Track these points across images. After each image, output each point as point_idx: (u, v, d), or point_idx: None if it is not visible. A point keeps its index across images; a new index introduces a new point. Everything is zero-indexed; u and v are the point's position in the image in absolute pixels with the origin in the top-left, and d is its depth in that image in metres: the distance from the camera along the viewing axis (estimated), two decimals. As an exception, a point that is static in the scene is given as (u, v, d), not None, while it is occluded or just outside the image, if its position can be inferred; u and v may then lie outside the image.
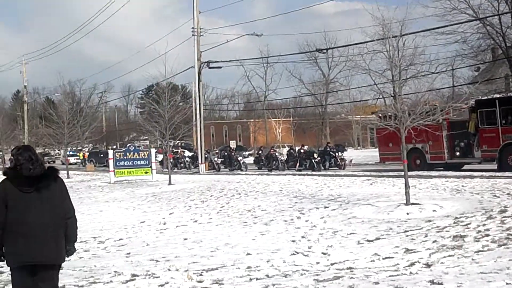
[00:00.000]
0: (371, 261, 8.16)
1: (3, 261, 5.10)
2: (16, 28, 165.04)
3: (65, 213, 5.18)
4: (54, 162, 60.24)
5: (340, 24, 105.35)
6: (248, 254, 9.06)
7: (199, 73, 37.33)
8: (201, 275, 7.71)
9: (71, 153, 58.29)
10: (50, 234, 5.00)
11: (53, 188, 5.14)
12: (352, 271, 7.53)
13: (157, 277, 7.70)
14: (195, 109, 38.76)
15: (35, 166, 5.06)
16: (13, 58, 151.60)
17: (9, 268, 5.18)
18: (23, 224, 4.91)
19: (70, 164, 48.44)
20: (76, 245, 5.41)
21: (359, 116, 67.30)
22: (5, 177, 5.12)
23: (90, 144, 75.22)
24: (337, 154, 31.93)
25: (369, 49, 15.07)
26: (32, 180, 5.02)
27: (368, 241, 9.67)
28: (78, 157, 63.60)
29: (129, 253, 9.71)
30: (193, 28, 36.75)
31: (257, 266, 8.10)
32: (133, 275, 7.88)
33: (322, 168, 30.60)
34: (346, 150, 36.76)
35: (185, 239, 10.91)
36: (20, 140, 60.38)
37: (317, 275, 7.38)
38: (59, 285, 5.36)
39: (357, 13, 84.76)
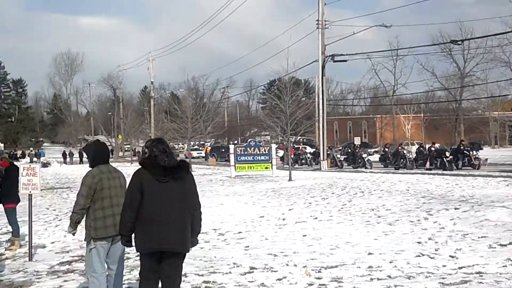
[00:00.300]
0: (503, 266, 7.81)
1: (132, 246, 5.49)
2: (144, 25, 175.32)
3: (193, 205, 5.49)
4: (178, 156, 63.21)
5: (477, 14, 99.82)
6: (369, 253, 9.04)
7: (323, 67, 37.36)
8: (319, 271, 7.83)
9: (194, 147, 60.92)
10: (181, 223, 5.31)
11: (186, 180, 5.46)
12: (481, 276, 7.28)
13: (275, 271, 7.94)
14: (318, 104, 38.78)
15: (170, 158, 5.40)
16: (141, 55, 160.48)
17: (137, 253, 5.60)
18: (156, 212, 5.24)
19: (193, 158, 50.62)
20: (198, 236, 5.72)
21: (497, 113, 63.69)
22: (140, 166, 5.48)
23: (212, 139, 78.01)
24: (471, 153, 30.57)
25: (509, 40, 14.26)
26: (168, 170, 5.35)
27: (501, 245, 9.26)
28: (201, 151, 66.29)
29: (248, 246, 10.07)
30: (317, 20, 36.83)
31: (378, 266, 8.07)
32: (252, 268, 8.19)
33: (455, 167, 29.44)
34: (481, 149, 35.04)
35: (304, 236, 11.07)
36: (147, 134, 64.09)
37: (443, 278, 7.23)
38: (182, 272, 5.72)
39: (497, 2, 79.88)
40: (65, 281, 7.89)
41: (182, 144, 61.62)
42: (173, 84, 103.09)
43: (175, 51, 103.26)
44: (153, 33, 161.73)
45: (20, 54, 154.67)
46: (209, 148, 65.22)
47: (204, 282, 7.49)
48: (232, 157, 30.40)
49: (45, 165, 51.08)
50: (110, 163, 6.43)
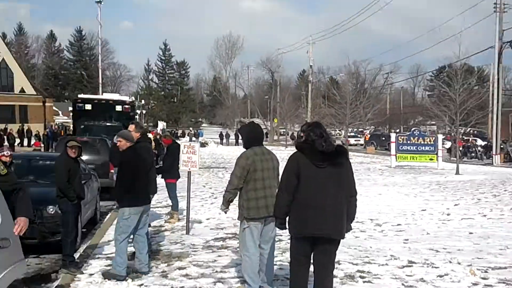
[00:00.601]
0: None
1: (285, 229, 5.61)
2: (305, 8, 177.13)
3: (350, 192, 5.49)
4: (334, 142, 63.21)
5: None
6: (545, 257, 8.46)
7: (500, 53, 36.03)
8: (486, 272, 7.50)
9: (352, 134, 60.62)
10: (336, 210, 5.33)
11: (344, 166, 5.48)
12: None
13: (436, 267, 7.71)
14: (493, 94, 37.30)
15: (328, 143, 5.43)
16: (301, 38, 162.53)
17: (289, 236, 5.72)
18: (312, 197, 5.31)
19: (350, 145, 50.37)
20: (352, 224, 5.72)
21: None
22: (296, 150, 5.57)
23: (372, 126, 77.06)
24: None
25: None
26: (326, 155, 5.39)
27: None
28: (359, 139, 65.80)
29: (407, 240, 9.86)
30: (495, 3, 35.54)
31: (555, 273, 7.53)
32: (410, 262, 8.02)
33: None
34: None
35: (470, 233, 10.62)
36: (303, 118, 64.84)
37: None
38: (335, 260, 5.75)
39: None
40: (219, 256, 8.33)
41: (339, 131, 61.42)
42: (332, 69, 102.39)
43: (336, 34, 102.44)
44: (314, 16, 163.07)
45: (184, 37, 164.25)
46: (368, 135, 64.48)
47: (359, 271, 7.48)
48: (393, 146, 29.81)
49: (203, 145, 53.67)
50: (265, 146, 6.59)
